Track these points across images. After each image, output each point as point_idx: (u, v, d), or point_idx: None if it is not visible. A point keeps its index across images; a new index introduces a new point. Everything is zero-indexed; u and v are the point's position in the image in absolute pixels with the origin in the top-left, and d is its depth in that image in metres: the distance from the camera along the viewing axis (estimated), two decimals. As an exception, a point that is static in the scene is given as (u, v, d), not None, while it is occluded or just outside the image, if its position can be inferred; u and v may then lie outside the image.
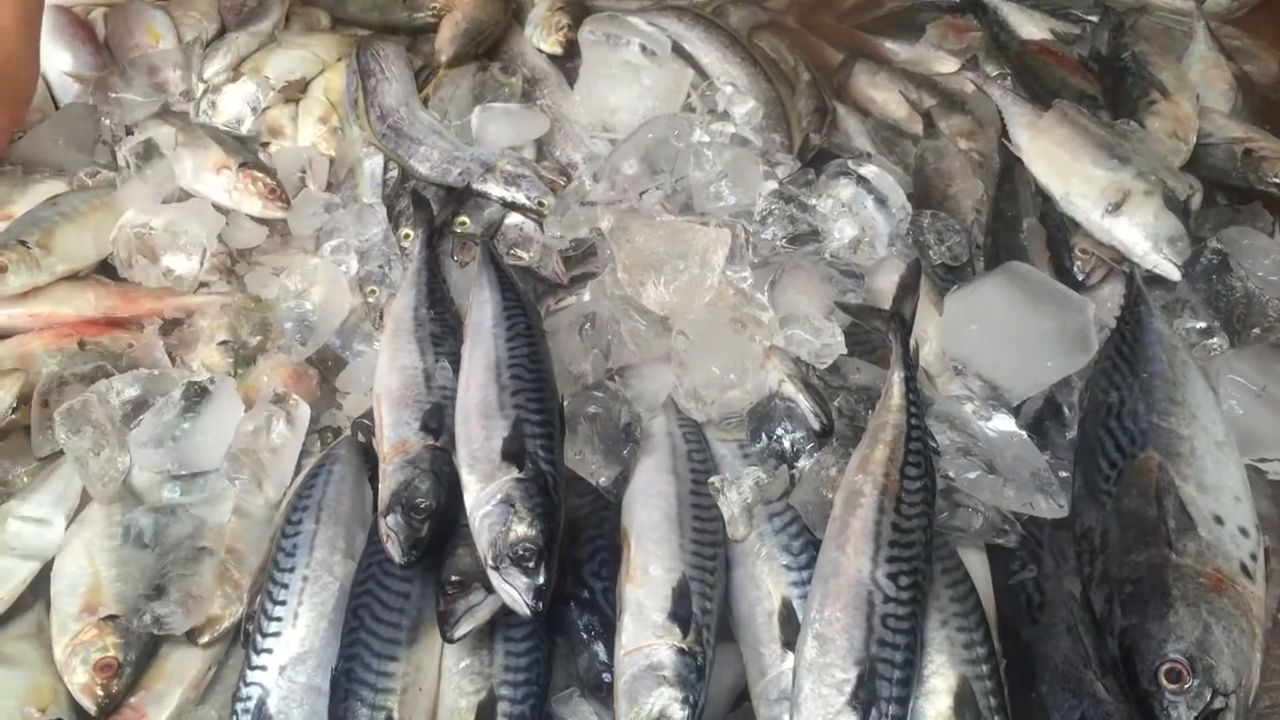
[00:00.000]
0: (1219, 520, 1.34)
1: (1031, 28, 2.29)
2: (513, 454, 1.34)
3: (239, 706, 1.31)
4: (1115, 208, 1.75)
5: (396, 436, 1.44)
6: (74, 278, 1.89)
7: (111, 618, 1.43)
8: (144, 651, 1.43)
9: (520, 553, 1.26)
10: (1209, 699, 1.19)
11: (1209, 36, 2.18)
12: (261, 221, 2.00)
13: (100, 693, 1.37)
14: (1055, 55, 2.16)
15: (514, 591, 1.25)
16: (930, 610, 1.33)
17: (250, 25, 2.35)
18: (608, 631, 1.34)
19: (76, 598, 1.46)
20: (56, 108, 2.22)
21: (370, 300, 1.85)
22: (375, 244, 1.91)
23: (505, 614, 1.32)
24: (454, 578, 1.31)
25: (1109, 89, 2.06)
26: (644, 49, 2.05)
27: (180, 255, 1.91)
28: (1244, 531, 1.34)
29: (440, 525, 1.35)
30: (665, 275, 1.59)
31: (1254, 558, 1.32)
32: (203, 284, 1.93)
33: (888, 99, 2.26)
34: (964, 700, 1.26)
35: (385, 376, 1.54)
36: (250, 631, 1.39)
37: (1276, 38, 2.29)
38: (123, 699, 1.38)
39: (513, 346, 1.49)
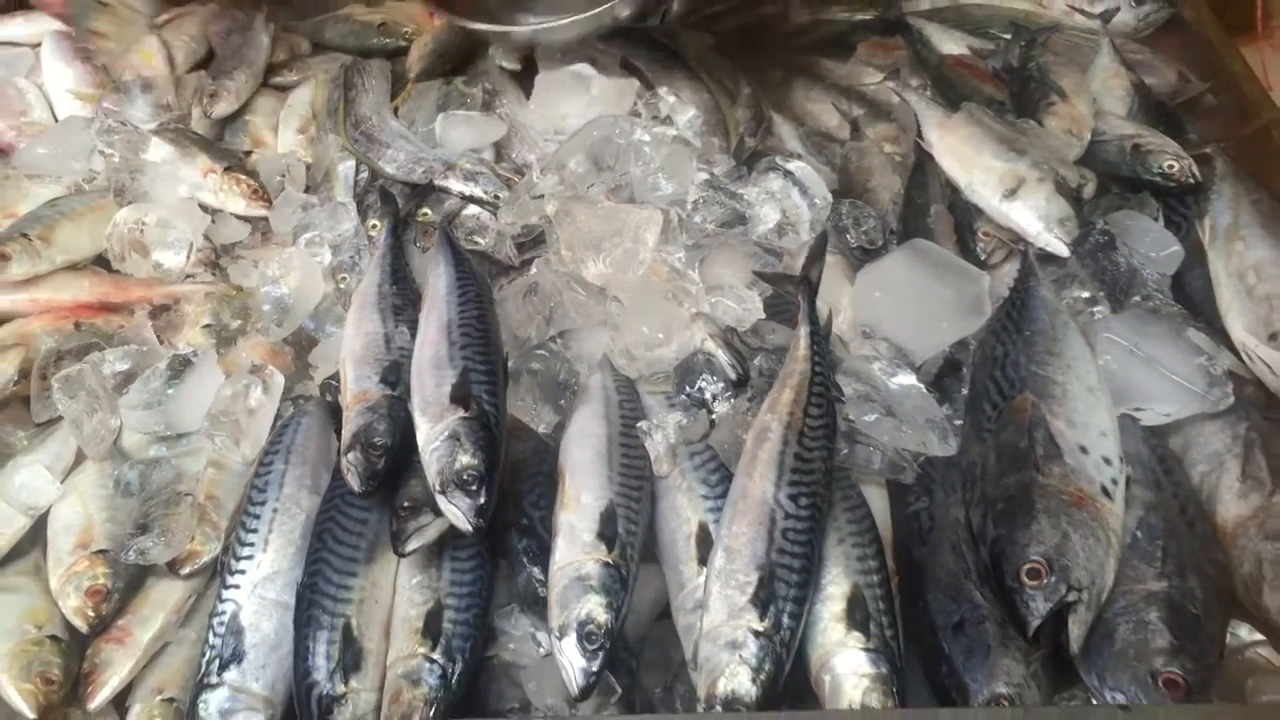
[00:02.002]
0: (1084, 450, 1.51)
1: (951, 45, 2.50)
2: (460, 398, 1.52)
3: (215, 621, 1.47)
4: (1011, 194, 1.94)
5: (358, 388, 1.61)
6: (71, 268, 2.08)
7: (102, 551, 1.60)
8: (130, 583, 1.59)
9: (464, 478, 1.43)
10: (1064, 593, 1.35)
11: (1112, 50, 2.39)
12: (245, 219, 2.18)
13: (91, 614, 1.53)
14: (969, 67, 2.37)
15: (458, 511, 1.41)
16: (830, 531, 1.50)
17: (241, 55, 2.53)
18: (544, 554, 1.50)
19: (71, 536, 1.63)
20: (56, 120, 2.42)
21: (342, 286, 2.03)
22: (347, 237, 2.09)
23: (453, 537, 1.49)
24: (406, 503, 1.48)
25: (1015, 94, 2.26)
26: (594, 62, 2.26)
27: (169, 251, 2.10)
28: (1107, 461, 1.51)
29: (395, 462, 1.52)
30: (603, 250, 1.78)
31: (1114, 482, 1.49)
32: (189, 276, 2.11)
33: (821, 110, 2.46)
34: (856, 602, 1.43)
35: (350, 341, 1.72)
36: (224, 561, 1.56)
37: (1177, 54, 2.49)
38: (111, 620, 1.54)
39: (463, 310, 1.67)
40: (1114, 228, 1.92)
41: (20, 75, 2.51)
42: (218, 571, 1.59)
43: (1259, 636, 1.48)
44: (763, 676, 1.33)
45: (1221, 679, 1.41)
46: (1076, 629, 1.34)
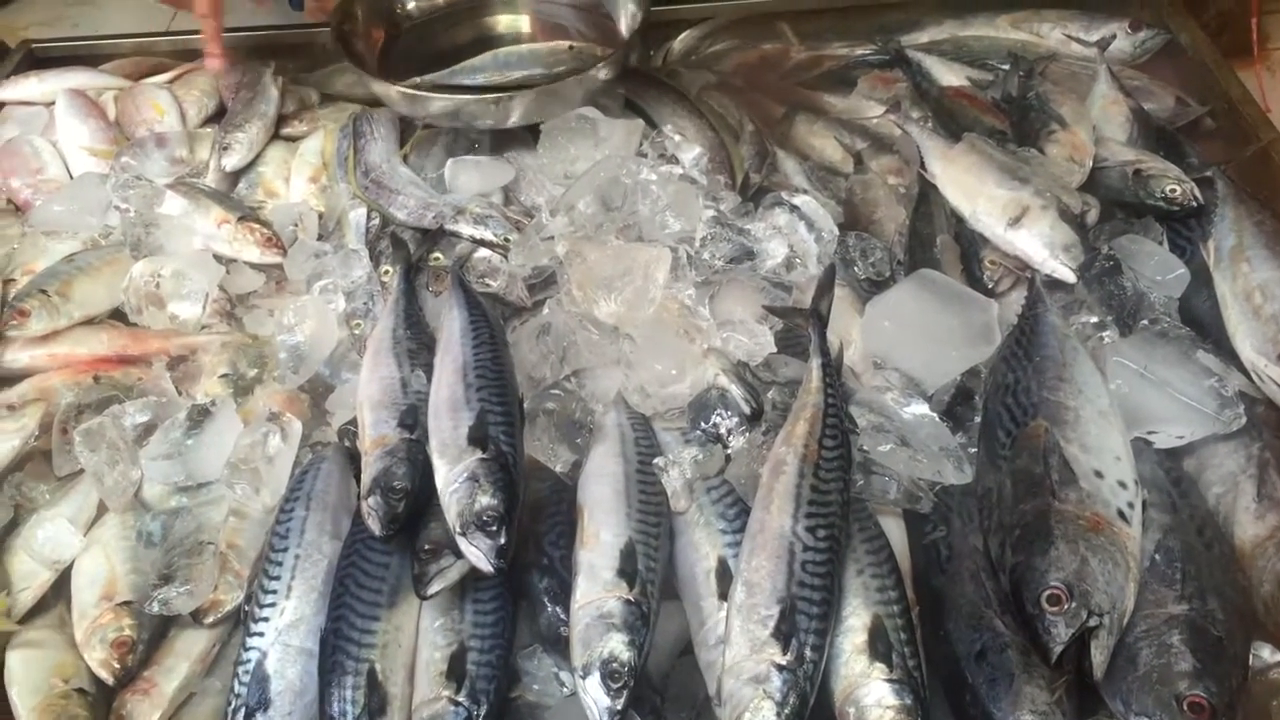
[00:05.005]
0: (1099, 474, 1.52)
1: (951, 77, 2.53)
2: (477, 439, 1.53)
3: (240, 669, 1.48)
4: (1015, 222, 1.96)
5: (376, 433, 1.63)
6: (89, 323, 2.11)
7: (126, 603, 1.61)
8: (156, 633, 1.60)
9: (484, 519, 1.44)
10: (1085, 618, 1.35)
11: (1110, 77, 2.41)
12: (259, 269, 2.21)
13: (117, 666, 1.54)
14: (969, 98, 2.40)
15: (479, 552, 1.42)
16: (848, 563, 1.50)
17: (251, 108, 2.56)
18: (565, 593, 1.51)
19: (95, 589, 1.64)
20: (71, 177, 2.46)
21: (356, 332, 2.05)
22: (360, 284, 2.11)
23: (474, 579, 1.50)
24: (427, 546, 1.49)
25: (1016, 124, 2.28)
26: (598, 104, 2.29)
27: (185, 302, 2.12)
28: (1122, 484, 1.51)
29: (414, 505, 1.53)
30: (614, 289, 1.80)
31: (1130, 505, 1.50)
32: (205, 326, 2.13)
33: (825, 144, 2.48)
34: (877, 633, 1.43)
35: (366, 386, 1.73)
36: (248, 610, 1.57)
37: (1175, 79, 2.52)
38: (136, 672, 1.55)
39: (478, 352, 1.69)
40: (1119, 253, 1.93)
41: (35, 134, 2.56)
42: (241, 620, 1.60)
43: (1282, 657, 1.48)
44: (787, 710, 1.33)
45: (1247, 702, 1.41)
46: (1099, 654, 1.34)
